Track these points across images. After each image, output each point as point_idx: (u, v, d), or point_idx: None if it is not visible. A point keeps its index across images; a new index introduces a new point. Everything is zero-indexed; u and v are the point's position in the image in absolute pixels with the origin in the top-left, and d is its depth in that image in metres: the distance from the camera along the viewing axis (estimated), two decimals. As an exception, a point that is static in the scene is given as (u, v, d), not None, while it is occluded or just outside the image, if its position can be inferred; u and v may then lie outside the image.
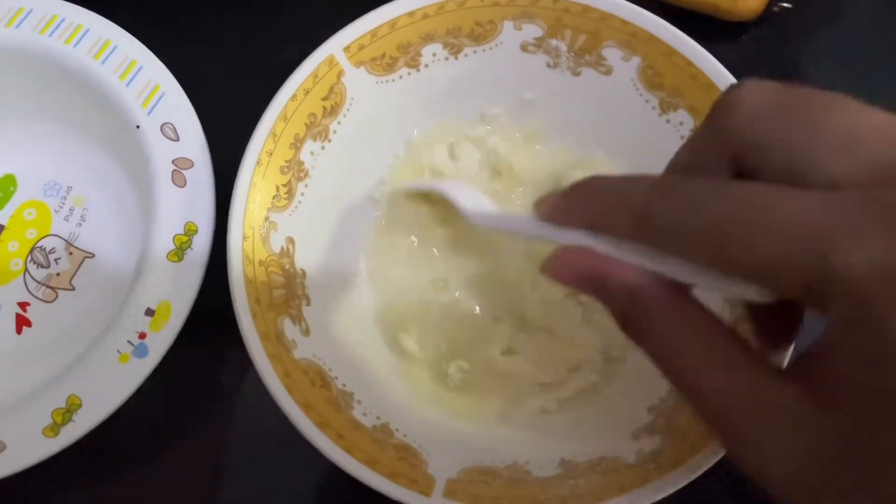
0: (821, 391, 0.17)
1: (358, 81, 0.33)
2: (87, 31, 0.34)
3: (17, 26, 0.34)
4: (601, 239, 0.21)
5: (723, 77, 0.31)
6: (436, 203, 0.35)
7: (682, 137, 0.33)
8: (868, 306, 0.15)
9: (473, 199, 0.29)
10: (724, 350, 0.19)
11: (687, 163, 0.22)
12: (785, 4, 0.42)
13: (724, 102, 0.20)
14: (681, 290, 0.20)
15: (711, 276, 0.19)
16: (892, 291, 0.15)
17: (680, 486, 0.27)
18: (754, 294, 0.18)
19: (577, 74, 0.34)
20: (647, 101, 0.33)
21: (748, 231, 0.17)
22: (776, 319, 0.23)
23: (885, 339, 0.15)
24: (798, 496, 0.17)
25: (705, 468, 0.27)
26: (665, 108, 0.33)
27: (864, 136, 0.18)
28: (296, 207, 0.32)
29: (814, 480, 0.17)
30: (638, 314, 0.20)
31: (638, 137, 0.34)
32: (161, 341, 0.30)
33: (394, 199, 0.36)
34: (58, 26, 0.34)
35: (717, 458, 0.27)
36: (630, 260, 0.20)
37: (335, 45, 0.32)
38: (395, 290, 0.35)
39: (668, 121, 0.33)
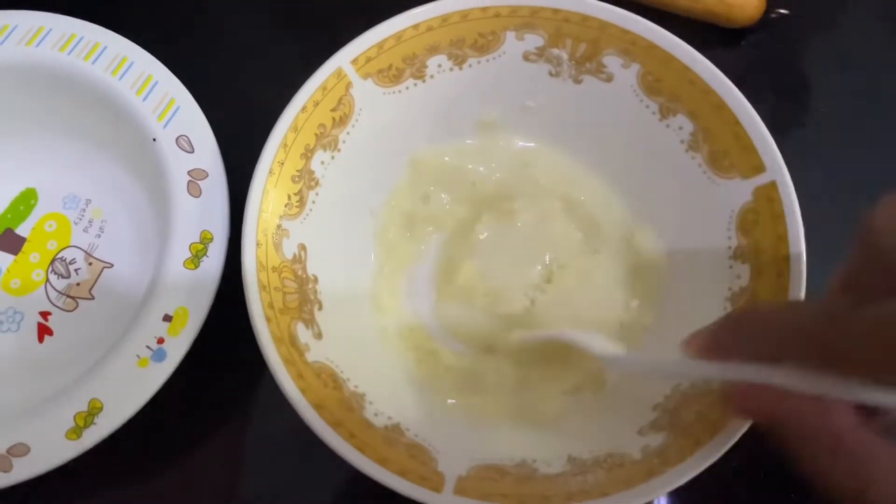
0: None
1: (366, 93, 0.34)
2: (105, 48, 0.35)
3: (38, 45, 0.36)
4: (771, 372, 0.21)
5: (719, 81, 0.32)
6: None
7: (681, 142, 0.34)
8: None
9: (605, 345, 0.30)
10: None
11: (842, 287, 0.22)
12: (782, 11, 0.42)
13: (867, 222, 0.21)
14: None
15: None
16: None
17: (685, 480, 0.27)
18: None
19: (578, 82, 0.35)
20: (647, 106, 0.34)
21: None
22: None
23: None
24: None
25: (710, 462, 0.28)
26: (665, 113, 0.34)
27: None
28: (307, 215, 0.33)
29: None
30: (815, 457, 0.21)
31: (639, 142, 0.35)
32: (179, 346, 0.31)
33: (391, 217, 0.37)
34: (76, 44, 0.35)
35: (722, 452, 0.28)
36: (806, 389, 0.20)
37: (343, 58, 0.33)
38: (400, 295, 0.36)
39: (667, 125, 0.34)
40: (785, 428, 0.22)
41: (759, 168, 0.31)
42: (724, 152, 0.32)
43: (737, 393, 0.23)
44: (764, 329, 0.22)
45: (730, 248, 0.32)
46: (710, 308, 0.32)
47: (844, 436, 0.21)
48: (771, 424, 0.22)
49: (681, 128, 0.33)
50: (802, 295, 0.29)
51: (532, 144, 0.38)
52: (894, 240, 0.20)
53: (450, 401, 0.33)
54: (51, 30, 0.36)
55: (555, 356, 0.34)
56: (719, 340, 0.24)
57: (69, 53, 0.35)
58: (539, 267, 0.36)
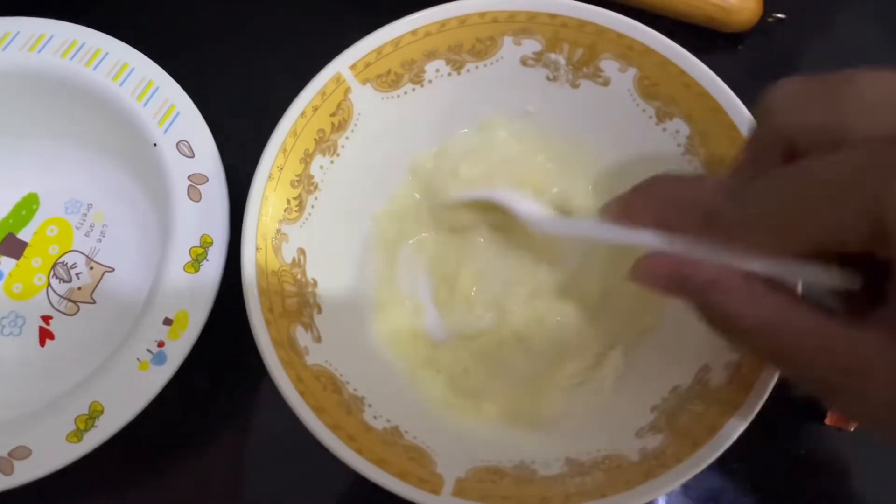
0: None
1: (364, 98, 0.34)
2: (106, 54, 0.36)
3: (39, 51, 0.36)
4: (671, 239, 0.23)
5: (715, 85, 0.32)
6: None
7: (678, 145, 0.34)
8: None
9: (531, 207, 0.31)
10: (812, 317, 0.20)
11: (744, 162, 0.24)
12: (779, 16, 0.42)
13: (764, 103, 0.23)
14: (752, 276, 0.22)
15: (784, 265, 0.21)
16: None
17: (682, 481, 0.28)
18: (832, 278, 0.21)
19: (575, 87, 0.35)
20: (643, 110, 0.34)
21: (807, 203, 0.19)
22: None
23: None
24: None
25: (707, 463, 0.28)
26: (661, 117, 0.34)
27: (884, 100, 0.20)
28: (306, 219, 0.33)
29: None
30: (718, 302, 0.22)
31: (636, 146, 0.35)
32: (179, 349, 0.31)
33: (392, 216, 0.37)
34: (78, 50, 0.36)
35: (718, 454, 0.28)
36: (702, 256, 0.22)
37: (342, 64, 0.33)
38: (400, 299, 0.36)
39: (664, 129, 0.34)
40: (677, 286, 0.23)
41: (755, 171, 0.31)
42: (721, 156, 0.32)
43: (639, 263, 0.24)
44: (669, 199, 0.24)
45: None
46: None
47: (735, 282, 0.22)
48: (666, 288, 0.23)
49: (678, 131, 0.34)
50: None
51: (530, 148, 0.38)
52: (787, 117, 0.22)
53: (449, 403, 0.34)
54: (52, 36, 0.36)
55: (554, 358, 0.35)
56: (629, 206, 0.26)
57: (71, 59, 0.36)
58: (537, 271, 0.37)
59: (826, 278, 0.21)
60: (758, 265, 0.21)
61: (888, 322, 0.19)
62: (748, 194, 0.21)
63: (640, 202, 0.25)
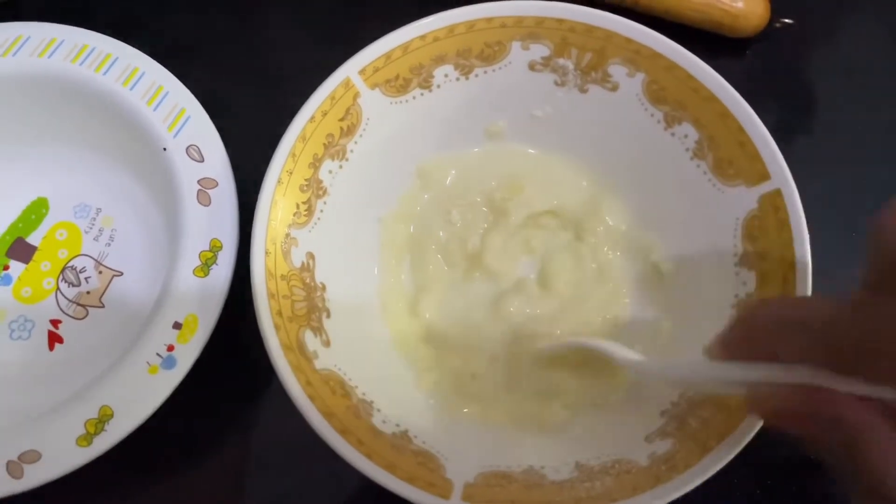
0: None
1: (373, 102, 0.34)
2: (116, 59, 0.36)
3: (50, 56, 0.36)
4: (788, 370, 0.21)
5: (722, 89, 0.32)
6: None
7: (686, 150, 0.34)
8: None
9: (629, 353, 0.30)
10: None
11: (862, 284, 0.21)
12: (786, 21, 0.43)
13: (878, 221, 0.20)
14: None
15: None
16: None
17: (692, 486, 0.28)
18: None
19: (584, 91, 0.35)
20: (652, 115, 0.34)
21: None
22: None
23: None
24: None
25: (717, 468, 0.28)
26: (670, 121, 0.34)
27: None
28: (315, 224, 0.33)
29: None
30: (865, 453, 0.20)
31: (645, 151, 0.35)
32: (188, 353, 0.31)
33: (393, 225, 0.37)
34: (88, 55, 0.36)
35: (728, 459, 0.28)
36: (839, 385, 0.20)
37: (351, 68, 0.33)
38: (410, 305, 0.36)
39: (672, 134, 0.34)
40: (808, 425, 0.21)
41: (764, 176, 0.31)
42: (729, 160, 0.32)
43: (758, 395, 0.23)
44: (778, 323, 0.22)
45: (735, 255, 0.32)
46: (717, 315, 0.32)
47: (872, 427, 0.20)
48: (791, 424, 0.22)
49: (686, 136, 0.34)
50: (808, 301, 0.29)
51: (539, 153, 0.38)
52: None
53: (457, 409, 0.34)
54: (63, 41, 0.36)
55: (570, 363, 0.35)
56: (735, 338, 0.24)
57: (81, 64, 0.36)
58: (544, 274, 0.37)
59: None
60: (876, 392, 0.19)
61: None
62: (875, 316, 0.19)
63: (746, 332, 0.23)
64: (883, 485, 0.19)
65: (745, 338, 0.24)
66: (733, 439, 0.28)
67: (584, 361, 0.34)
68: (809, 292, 0.30)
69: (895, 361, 0.18)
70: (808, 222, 0.30)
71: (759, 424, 0.28)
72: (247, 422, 0.36)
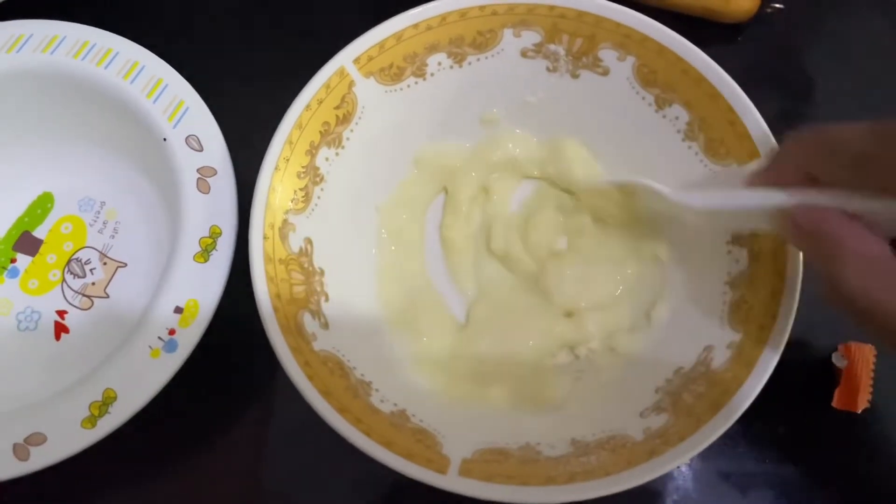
0: None
1: (368, 91, 0.35)
2: (117, 53, 0.37)
3: (52, 52, 0.37)
4: (820, 193, 0.24)
5: (712, 70, 0.32)
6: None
7: (678, 131, 0.34)
8: None
9: (665, 188, 0.31)
10: None
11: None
12: (777, 5, 0.43)
13: None
14: None
15: None
16: None
17: (686, 458, 0.28)
18: None
19: (575, 77, 0.36)
20: (643, 98, 0.35)
21: None
22: None
23: None
24: None
25: (710, 441, 0.28)
26: (661, 104, 0.34)
27: None
28: (313, 210, 0.34)
29: None
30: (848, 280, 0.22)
31: (637, 134, 0.36)
32: (189, 337, 0.32)
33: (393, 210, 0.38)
34: (89, 51, 0.37)
35: (722, 432, 0.28)
36: (853, 208, 0.23)
37: (345, 57, 0.34)
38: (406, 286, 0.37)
39: (664, 116, 0.34)
40: (825, 245, 0.23)
41: (754, 154, 0.32)
42: (721, 140, 0.33)
43: (794, 212, 0.25)
44: (814, 147, 0.24)
45: (727, 232, 0.32)
46: (710, 292, 0.32)
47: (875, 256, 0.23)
48: (800, 241, 0.25)
49: (677, 118, 0.34)
50: (799, 274, 0.30)
51: (533, 138, 0.38)
52: None
53: (455, 387, 0.34)
54: (65, 37, 0.37)
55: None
56: (775, 163, 0.26)
57: (82, 59, 0.37)
58: (541, 254, 0.37)
59: None
60: None
61: None
62: None
63: (785, 156, 0.26)
64: (843, 289, 0.22)
65: (785, 158, 0.26)
66: (726, 412, 0.28)
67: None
68: (801, 269, 0.30)
69: None
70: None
71: (752, 399, 0.28)
72: (248, 404, 0.37)
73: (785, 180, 0.25)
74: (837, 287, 0.23)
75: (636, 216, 0.36)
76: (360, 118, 0.35)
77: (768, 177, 0.27)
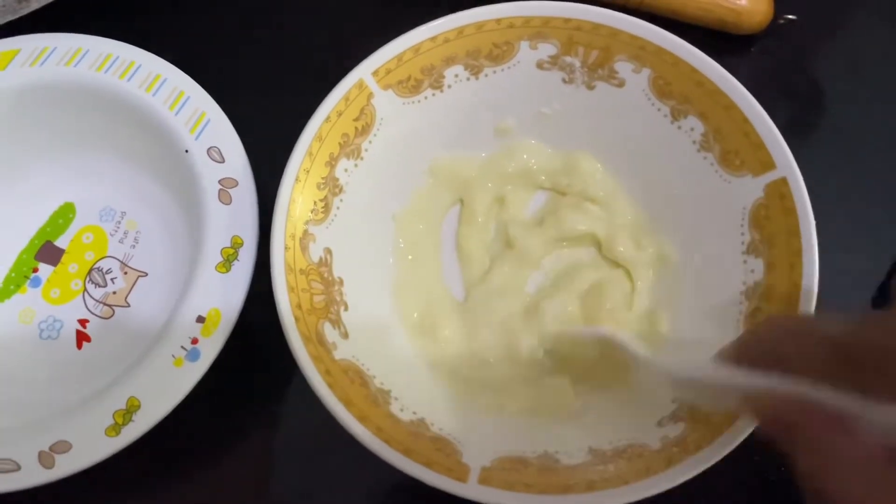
0: None
1: (386, 103, 0.35)
2: (139, 66, 0.37)
3: (76, 65, 0.37)
4: (794, 381, 0.21)
5: (726, 81, 0.33)
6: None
7: (693, 142, 0.35)
8: None
9: (641, 348, 0.31)
10: None
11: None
12: (790, 17, 0.43)
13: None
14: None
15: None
16: None
17: (703, 467, 0.28)
18: None
19: (591, 88, 0.36)
20: (658, 109, 0.35)
21: None
22: None
23: None
24: None
25: (728, 450, 0.28)
26: (676, 115, 0.35)
27: None
28: (332, 220, 0.34)
29: None
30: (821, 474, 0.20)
31: (652, 145, 0.36)
32: (212, 346, 0.32)
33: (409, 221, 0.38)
34: (112, 64, 0.37)
35: (739, 441, 0.28)
36: (829, 401, 0.20)
37: (364, 70, 0.35)
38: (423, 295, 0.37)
39: (679, 127, 0.35)
40: (799, 440, 0.21)
41: (769, 165, 0.32)
42: (736, 151, 0.33)
43: (757, 399, 0.23)
44: (788, 333, 0.23)
45: (743, 243, 0.33)
46: (726, 303, 0.33)
47: (861, 460, 0.19)
48: (784, 434, 0.22)
49: (692, 129, 0.34)
50: (815, 286, 0.30)
51: (548, 149, 0.39)
52: None
53: (474, 397, 0.34)
54: (88, 50, 0.38)
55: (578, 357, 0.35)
56: (746, 346, 0.25)
57: (105, 72, 0.37)
58: (556, 266, 0.37)
59: None
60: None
61: None
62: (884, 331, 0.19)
63: (757, 340, 0.25)
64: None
65: (757, 344, 0.25)
66: (744, 422, 0.29)
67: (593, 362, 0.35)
68: (816, 280, 0.30)
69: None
70: (815, 213, 0.31)
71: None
72: (270, 413, 0.37)
73: (757, 364, 0.24)
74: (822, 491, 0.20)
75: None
76: (378, 129, 0.36)
77: (741, 358, 0.25)
